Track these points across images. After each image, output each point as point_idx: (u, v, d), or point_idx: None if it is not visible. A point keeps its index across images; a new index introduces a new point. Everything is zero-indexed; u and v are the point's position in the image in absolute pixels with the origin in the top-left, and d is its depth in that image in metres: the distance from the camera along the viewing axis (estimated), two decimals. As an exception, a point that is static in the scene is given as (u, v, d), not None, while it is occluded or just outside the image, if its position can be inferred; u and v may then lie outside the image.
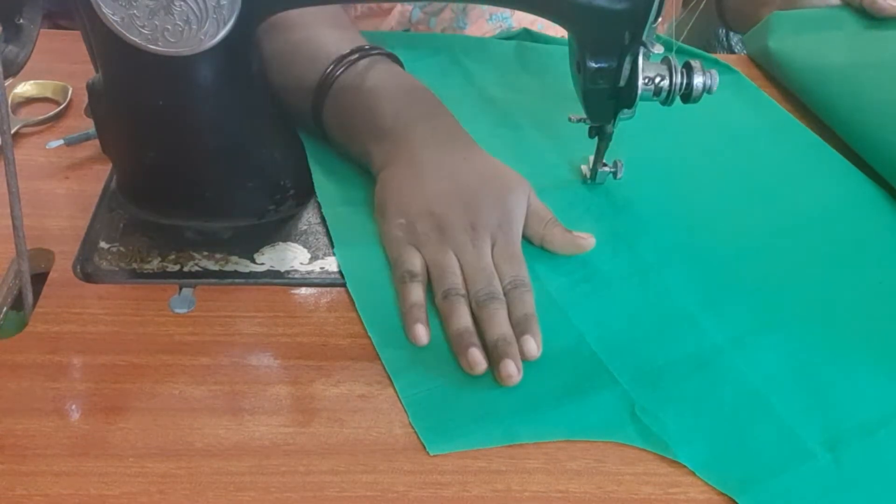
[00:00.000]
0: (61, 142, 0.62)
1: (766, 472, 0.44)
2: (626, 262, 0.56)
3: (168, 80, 0.50)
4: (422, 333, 0.49)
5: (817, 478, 0.44)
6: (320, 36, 0.61)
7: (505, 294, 0.51)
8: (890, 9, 0.73)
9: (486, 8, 0.84)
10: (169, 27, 0.46)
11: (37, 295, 0.50)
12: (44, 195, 0.59)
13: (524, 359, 0.48)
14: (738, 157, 0.67)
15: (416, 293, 0.51)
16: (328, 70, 0.58)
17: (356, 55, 0.59)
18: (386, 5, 0.87)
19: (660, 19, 0.52)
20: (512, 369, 0.47)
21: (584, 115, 0.58)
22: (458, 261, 0.52)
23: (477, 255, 0.52)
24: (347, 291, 0.52)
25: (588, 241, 0.55)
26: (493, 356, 0.48)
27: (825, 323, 0.53)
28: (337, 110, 0.59)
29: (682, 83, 0.54)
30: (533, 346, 0.48)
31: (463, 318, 0.49)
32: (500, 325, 0.49)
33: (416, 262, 0.52)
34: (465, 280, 0.51)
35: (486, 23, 0.83)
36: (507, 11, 0.84)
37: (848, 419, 0.47)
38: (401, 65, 0.62)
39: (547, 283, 0.54)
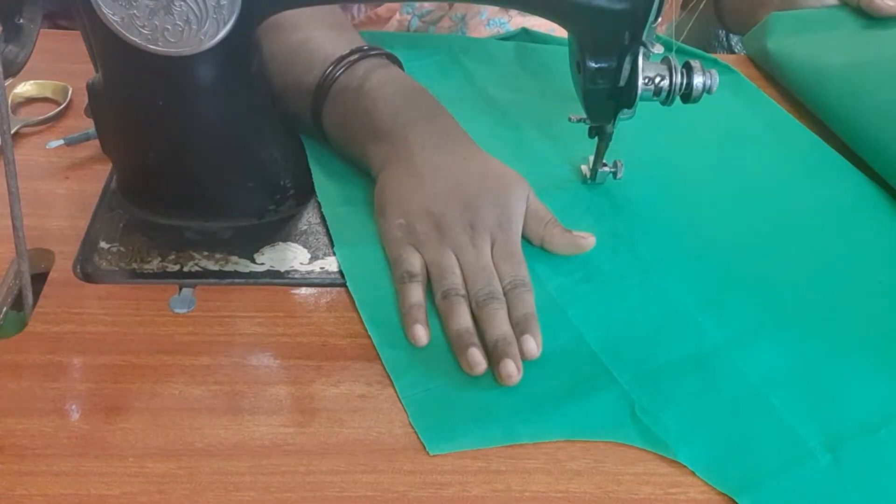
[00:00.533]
0: (61, 142, 0.62)
1: (766, 472, 0.44)
2: (626, 262, 0.56)
3: (168, 80, 0.50)
4: (421, 334, 0.49)
5: (817, 478, 0.44)
6: (318, 37, 0.61)
7: (505, 294, 0.51)
8: (888, 8, 0.73)
9: (485, 14, 0.84)
10: (169, 27, 0.46)
11: (37, 295, 0.50)
12: (44, 195, 0.59)
13: (524, 358, 0.48)
14: (738, 157, 0.67)
15: (416, 293, 0.51)
16: (327, 71, 0.58)
17: (355, 56, 0.59)
18: (384, 14, 0.87)
19: (659, 20, 0.52)
20: (512, 369, 0.47)
21: (584, 115, 0.58)
22: (458, 260, 0.52)
23: (476, 255, 0.52)
24: (347, 291, 0.52)
25: (588, 240, 0.55)
26: (493, 356, 0.48)
27: (825, 323, 0.53)
28: (336, 112, 0.59)
29: (682, 83, 0.54)
30: (533, 346, 0.48)
31: (463, 318, 0.49)
32: (499, 325, 0.49)
33: (415, 263, 0.52)
34: (464, 280, 0.51)
35: (485, 28, 0.83)
36: (504, 17, 0.84)
37: (848, 419, 0.47)
38: (400, 65, 0.62)
39: (547, 282, 0.54)
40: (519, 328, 0.49)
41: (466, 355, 0.47)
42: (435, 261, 0.52)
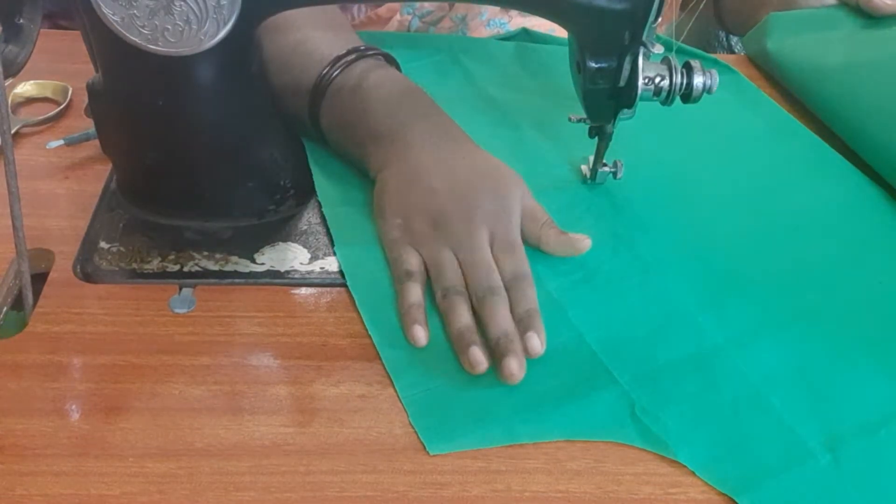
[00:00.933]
0: (61, 142, 0.62)
1: (766, 472, 0.44)
2: (626, 262, 0.56)
3: (168, 80, 0.50)
4: (420, 335, 0.49)
5: (817, 478, 0.44)
6: (315, 38, 0.61)
7: (506, 288, 0.50)
8: (886, 7, 0.73)
9: (486, 15, 0.84)
10: (169, 27, 0.46)
11: (37, 295, 0.50)
12: (44, 195, 0.59)
13: (528, 356, 0.48)
14: (738, 157, 0.67)
15: (414, 293, 0.51)
16: (324, 72, 0.58)
17: (352, 56, 0.59)
18: (385, 14, 0.87)
19: (659, 20, 0.52)
20: (514, 367, 0.47)
21: (584, 115, 0.58)
22: (457, 257, 0.52)
23: (474, 248, 0.52)
24: (348, 291, 0.52)
25: (584, 242, 0.54)
26: (496, 353, 0.48)
27: (825, 323, 0.53)
28: (333, 113, 0.59)
29: (682, 83, 0.54)
30: (537, 343, 0.48)
31: (463, 317, 0.49)
32: (501, 322, 0.48)
33: (413, 262, 0.52)
34: (464, 276, 0.51)
35: (485, 29, 0.83)
36: (504, 18, 0.84)
37: (848, 419, 0.47)
38: (397, 65, 0.62)
39: (547, 282, 0.54)
40: (522, 325, 0.49)
41: (468, 354, 0.47)
42: (433, 259, 0.52)
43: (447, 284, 0.51)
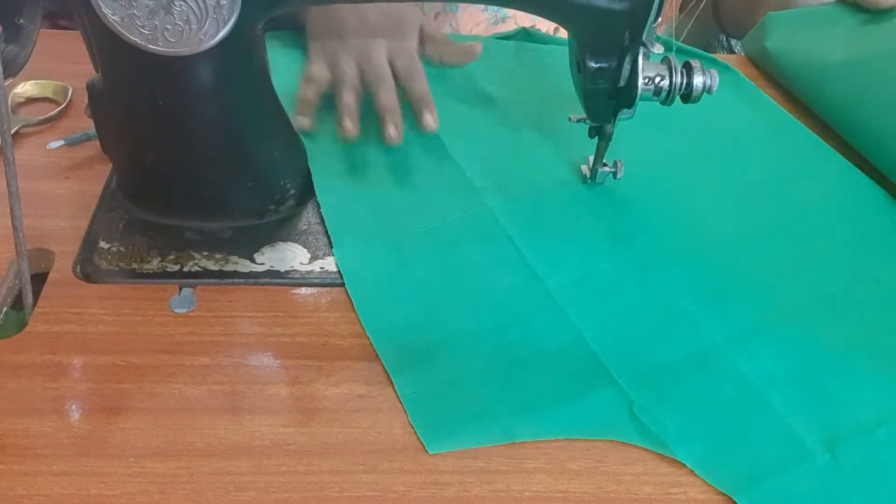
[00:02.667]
0: (62, 142, 0.62)
1: (764, 472, 0.44)
2: (626, 262, 0.56)
3: (168, 80, 0.50)
4: (304, 123, 0.61)
5: (816, 477, 0.44)
6: None
7: (400, 79, 0.63)
8: (884, 2, 0.72)
9: None
10: (169, 27, 0.46)
11: (37, 295, 0.50)
12: (44, 195, 0.59)
13: (424, 131, 0.60)
14: (738, 156, 0.67)
15: (307, 92, 0.62)
16: None
17: None
18: None
19: (659, 20, 0.52)
20: (393, 132, 0.59)
21: (584, 115, 0.58)
22: (359, 68, 0.63)
23: (371, 56, 0.63)
24: (347, 291, 0.52)
25: (476, 47, 0.66)
26: (380, 124, 0.60)
27: (824, 322, 0.53)
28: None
29: (682, 83, 0.54)
30: (430, 120, 0.59)
31: (346, 98, 0.60)
32: (384, 99, 0.60)
33: (316, 71, 0.63)
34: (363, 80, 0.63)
35: (480, 13, 0.83)
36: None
37: (847, 418, 0.47)
38: None
39: (546, 280, 0.54)
40: (417, 107, 0.61)
41: (342, 123, 0.59)
42: (335, 64, 0.63)
43: (341, 78, 0.61)
